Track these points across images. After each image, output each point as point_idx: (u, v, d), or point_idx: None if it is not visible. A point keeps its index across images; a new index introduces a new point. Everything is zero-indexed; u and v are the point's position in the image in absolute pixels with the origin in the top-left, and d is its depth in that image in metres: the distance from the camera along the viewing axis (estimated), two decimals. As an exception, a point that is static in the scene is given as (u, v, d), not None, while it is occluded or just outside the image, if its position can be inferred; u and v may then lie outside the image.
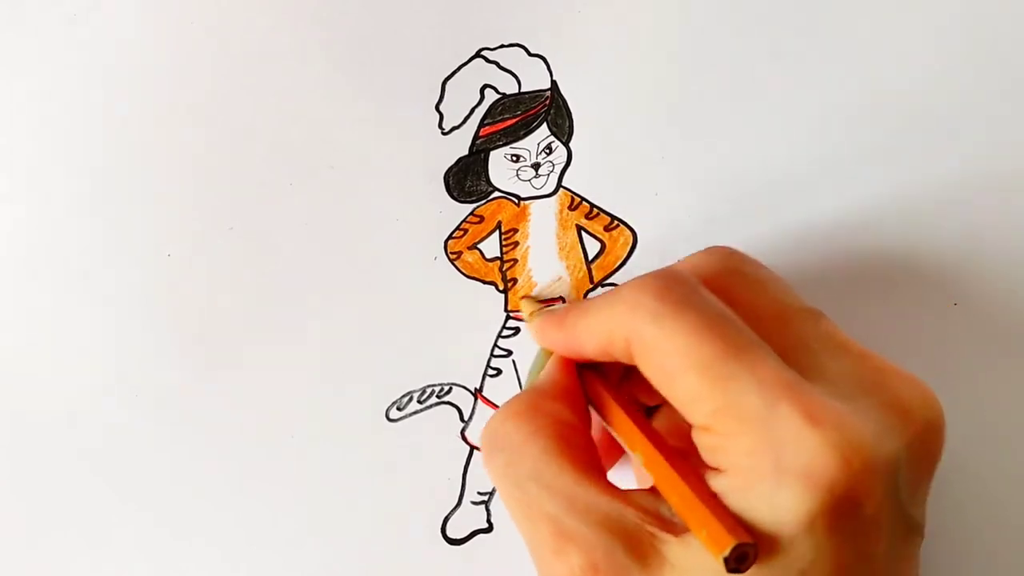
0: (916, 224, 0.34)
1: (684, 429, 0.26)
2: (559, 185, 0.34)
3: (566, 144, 0.34)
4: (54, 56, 0.34)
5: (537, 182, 0.34)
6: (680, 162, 0.34)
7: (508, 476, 0.26)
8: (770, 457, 0.23)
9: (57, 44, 0.34)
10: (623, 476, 0.31)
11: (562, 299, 0.34)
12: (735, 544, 0.22)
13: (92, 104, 0.34)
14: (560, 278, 0.34)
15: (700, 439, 0.25)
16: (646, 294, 0.25)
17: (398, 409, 0.33)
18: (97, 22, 0.34)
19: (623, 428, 0.27)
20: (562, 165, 0.34)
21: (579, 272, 0.34)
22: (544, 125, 0.34)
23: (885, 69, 0.34)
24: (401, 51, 0.34)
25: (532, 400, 0.27)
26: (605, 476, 0.26)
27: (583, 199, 0.34)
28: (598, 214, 0.34)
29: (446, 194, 0.34)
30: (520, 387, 0.34)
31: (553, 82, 0.34)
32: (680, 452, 0.25)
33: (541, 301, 0.34)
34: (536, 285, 0.34)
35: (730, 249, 0.29)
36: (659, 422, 0.30)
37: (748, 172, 0.34)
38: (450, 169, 0.34)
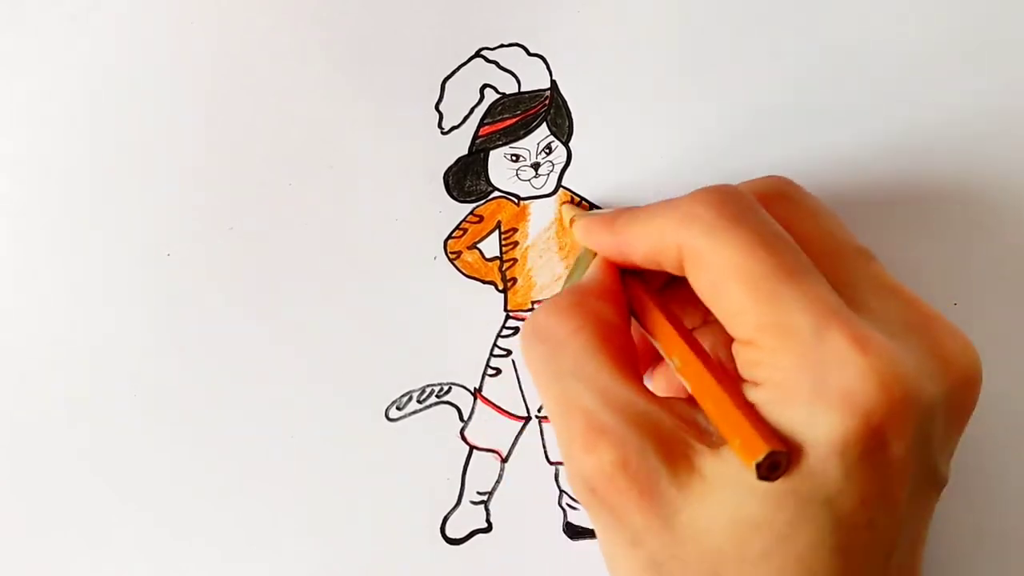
0: (916, 223, 0.34)
1: (721, 349, 0.27)
2: (559, 185, 0.34)
3: (566, 144, 0.34)
4: (54, 56, 0.34)
5: (537, 182, 0.34)
6: (680, 161, 0.34)
7: (548, 369, 0.26)
8: (812, 376, 0.23)
9: (57, 44, 0.34)
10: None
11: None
12: (769, 451, 0.22)
13: (91, 104, 0.34)
14: (560, 277, 0.34)
15: (741, 353, 0.25)
16: (703, 206, 0.25)
17: (397, 409, 0.33)
18: (97, 22, 0.34)
19: (663, 333, 0.27)
20: (562, 165, 0.34)
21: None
22: (544, 125, 0.34)
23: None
24: (401, 51, 0.34)
25: (577, 297, 0.27)
26: (641, 378, 0.26)
27: (583, 199, 0.34)
28: (598, 214, 0.34)
29: (445, 194, 0.34)
30: (520, 387, 0.34)
31: (553, 82, 0.34)
32: (719, 362, 0.25)
33: (536, 301, 0.34)
34: (535, 286, 0.34)
35: (788, 179, 0.29)
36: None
37: (749, 173, 0.34)
38: (449, 169, 0.34)
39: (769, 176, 0.29)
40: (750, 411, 0.23)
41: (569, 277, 0.30)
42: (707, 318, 0.30)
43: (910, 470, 0.23)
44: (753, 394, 0.24)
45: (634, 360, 0.27)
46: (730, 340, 0.25)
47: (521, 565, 0.33)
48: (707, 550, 0.23)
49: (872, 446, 0.22)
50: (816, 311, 0.23)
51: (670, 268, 0.26)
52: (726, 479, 0.23)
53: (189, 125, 0.34)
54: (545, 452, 0.34)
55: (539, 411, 0.34)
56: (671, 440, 0.24)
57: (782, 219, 0.26)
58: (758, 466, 0.22)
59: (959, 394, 0.25)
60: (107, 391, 0.33)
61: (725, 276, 0.24)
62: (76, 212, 0.34)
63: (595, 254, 0.29)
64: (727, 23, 0.34)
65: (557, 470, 0.33)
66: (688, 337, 0.26)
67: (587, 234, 0.29)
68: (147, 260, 0.34)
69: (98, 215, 0.34)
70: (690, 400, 0.26)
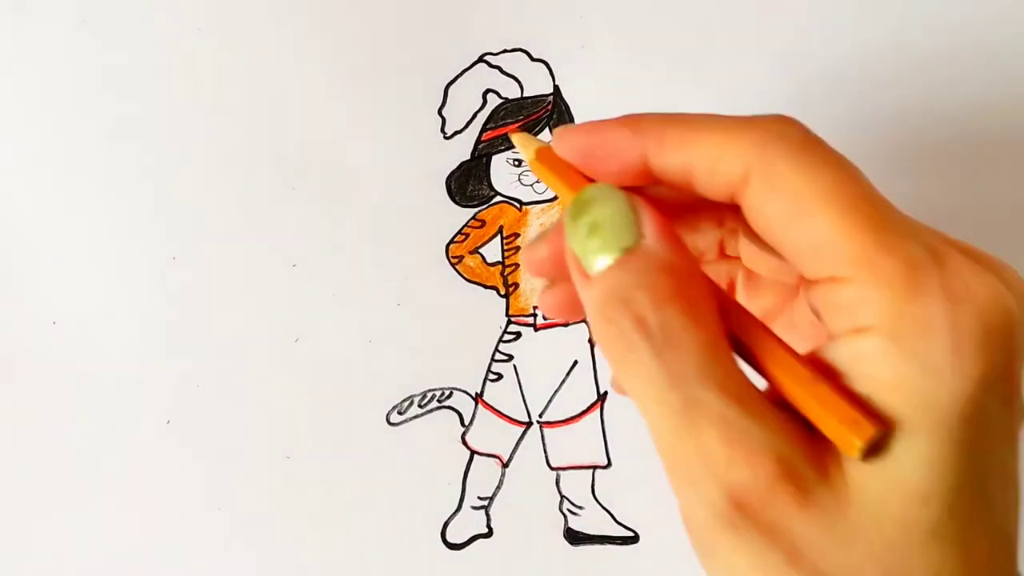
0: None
1: (745, 288, 0.25)
2: (561, 190, 0.34)
3: (568, 149, 0.34)
4: (61, 61, 0.34)
5: (539, 187, 0.34)
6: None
7: (662, 374, 0.21)
8: (940, 303, 0.19)
9: (65, 49, 0.34)
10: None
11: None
12: (862, 445, 0.19)
13: (97, 109, 0.34)
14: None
15: (828, 296, 0.21)
16: (790, 126, 0.21)
17: (399, 413, 0.33)
18: (104, 28, 0.34)
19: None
20: (564, 170, 0.34)
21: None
22: (547, 130, 0.34)
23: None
24: (404, 56, 0.34)
25: (681, 280, 0.22)
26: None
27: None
28: (600, 219, 0.34)
29: (448, 198, 0.34)
30: (521, 392, 0.33)
31: (555, 87, 0.34)
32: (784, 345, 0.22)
33: (538, 306, 0.34)
34: (537, 291, 0.34)
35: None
36: None
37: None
38: (452, 173, 0.34)
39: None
40: (826, 393, 0.20)
41: (598, 227, 0.23)
42: (722, 252, 0.27)
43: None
44: (851, 347, 0.20)
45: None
46: (761, 283, 0.22)
47: (522, 570, 0.33)
48: (877, 548, 0.21)
49: (1000, 381, 0.19)
50: (927, 236, 0.20)
51: (713, 192, 0.22)
52: (878, 483, 0.20)
53: (194, 130, 0.34)
54: (546, 457, 0.33)
55: (540, 416, 0.34)
56: (812, 441, 0.21)
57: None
58: (863, 455, 0.20)
59: None
60: (111, 397, 0.33)
61: (816, 201, 0.20)
62: (80, 216, 0.34)
63: (628, 195, 0.23)
64: (728, 28, 0.34)
65: (558, 475, 0.33)
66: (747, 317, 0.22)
67: (594, 130, 0.24)
68: (152, 264, 0.34)
69: (102, 219, 0.34)
70: None
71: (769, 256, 0.24)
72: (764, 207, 0.21)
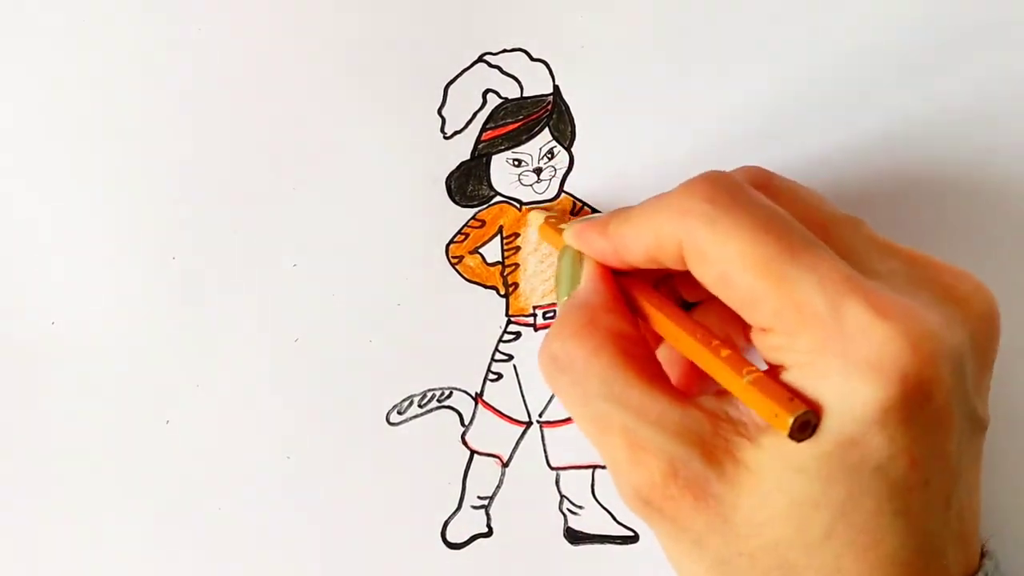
0: (917, 221, 0.34)
1: (728, 324, 0.28)
2: (561, 190, 0.34)
3: (568, 149, 0.34)
4: (61, 60, 0.34)
5: (539, 187, 0.34)
6: (682, 166, 0.34)
7: (576, 396, 0.26)
8: (838, 351, 0.22)
9: (65, 48, 0.34)
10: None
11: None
12: (793, 417, 0.22)
13: (97, 109, 0.34)
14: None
15: (761, 340, 0.24)
16: (695, 198, 0.25)
17: (399, 413, 0.33)
18: (102, 28, 0.34)
19: (664, 328, 0.27)
20: (564, 170, 0.34)
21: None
22: (546, 130, 0.34)
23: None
24: (403, 56, 0.34)
25: (586, 315, 0.27)
26: (671, 384, 0.26)
27: (585, 204, 0.34)
28: (600, 219, 0.34)
29: (447, 198, 0.34)
30: (521, 392, 0.34)
31: (555, 87, 0.34)
32: (728, 341, 0.25)
33: (538, 306, 0.34)
34: (537, 291, 0.34)
35: (761, 167, 0.29)
36: (702, 315, 0.30)
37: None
38: (452, 173, 0.34)
39: (743, 167, 0.29)
40: (765, 381, 0.23)
41: (560, 284, 0.30)
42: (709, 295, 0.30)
43: (954, 418, 0.23)
44: (782, 378, 0.24)
45: (657, 366, 0.26)
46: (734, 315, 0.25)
47: (522, 570, 0.33)
48: (770, 541, 0.23)
49: (911, 406, 0.22)
50: (828, 286, 0.23)
51: (671, 264, 0.26)
52: (772, 466, 0.23)
53: (194, 130, 0.34)
54: (546, 457, 0.33)
55: (540, 416, 0.34)
56: (712, 441, 0.24)
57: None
58: (791, 430, 0.22)
59: (982, 332, 0.25)
60: (111, 397, 0.33)
61: (732, 266, 0.24)
62: (79, 217, 0.34)
63: (578, 252, 0.29)
64: (728, 28, 0.34)
65: (558, 475, 0.33)
66: (687, 324, 0.26)
67: (581, 241, 0.29)
68: (152, 264, 0.34)
69: (102, 219, 0.34)
70: (719, 393, 0.25)
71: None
72: (701, 276, 0.25)
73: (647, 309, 0.27)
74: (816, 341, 0.23)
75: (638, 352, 0.26)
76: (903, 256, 0.26)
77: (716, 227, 0.24)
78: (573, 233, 0.29)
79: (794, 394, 0.23)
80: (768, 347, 0.24)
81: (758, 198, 0.25)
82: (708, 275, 0.25)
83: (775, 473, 0.23)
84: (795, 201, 0.27)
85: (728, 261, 0.24)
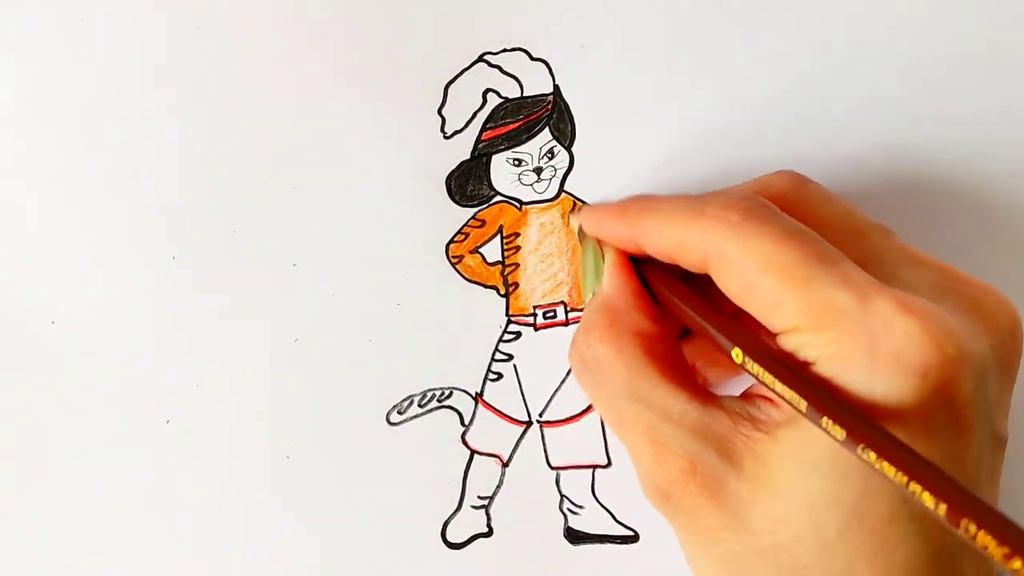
0: (917, 221, 0.34)
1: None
2: (561, 189, 0.34)
3: (568, 148, 0.34)
4: (59, 59, 0.34)
5: (539, 186, 0.34)
6: (682, 166, 0.34)
7: (602, 395, 0.27)
8: (863, 344, 0.23)
9: (64, 47, 0.34)
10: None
11: (563, 303, 0.34)
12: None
13: (97, 108, 0.34)
14: (561, 283, 0.34)
15: (787, 343, 0.25)
16: (725, 209, 0.25)
17: (399, 413, 0.33)
18: (103, 27, 0.34)
19: (691, 322, 0.27)
20: (564, 169, 0.34)
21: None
22: (546, 129, 0.34)
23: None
24: (404, 55, 0.34)
25: (610, 316, 0.28)
26: (694, 381, 0.27)
27: (585, 203, 0.34)
28: (600, 219, 0.34)
29: (448, 198, 0.34)
30: (521, 392, 0.34)
31: (555, 86, 0.34)
32: (753, 330, 0.26)
33: (538, 305, 0.34)
34: (537, 291, 0.34)
35: (795, 172, 0.29)
36: None
37: (751, 175, 0.34)
38: (452, 173, 0.34)
39: (778, 171, 0.30)
40: (785, 365, 0.24)
41: (585, 276, 0.30)
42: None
43: (974, 425, 0.23)
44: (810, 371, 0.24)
45: (682, 364, 0.27)
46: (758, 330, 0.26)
47: (522, 570, 0.33)
48: (783, 539, 0.24)
49: (931, 406, 0.22)
50: (853, 286, 0.23)
51: (689, 267, 0.27)
52: (788, 460, 0.24)
53: (194, 129, 0.34)
54: (546, 456, 0.33)
55: (540, 415, 0.34)
56: (731, 439, 0.25)
57: (798, 207, 0.27)
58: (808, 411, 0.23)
59: (1005, 347, 0.25)
60: (111, 397, 0.33)
61: (758, 271, 0.24)
62: (80, 216, 0.34)
63: (597, 245, 0.30)
64: (728, 27, 0.34)
65: (558, 475, 0.33)
66: (709, 313, 0.26)
67: (598, 224, 0.30)
68: (152, 264, 0.34)
69: (102, 219, 0.34)
70: (744, 396, 0.26)
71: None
72: (723, 283, 0.26)
73: (672, 302, 0.28)
74: (841, 334, 0.23)
75: (661, 350, 0.27)
76: (930, 266, 0.26)
77: (743, 235, 0.25)
78: (591, 217, 0.30)
79: (819, 380, 0.23)
80: (795, 348, 0.24)
81: (784, 216, 0.26)
82: (733, 283, 0.25)
83: (791, 468, 0.23)
84: (829, 205, 0.28)
85: (753, 267, 0.24)
